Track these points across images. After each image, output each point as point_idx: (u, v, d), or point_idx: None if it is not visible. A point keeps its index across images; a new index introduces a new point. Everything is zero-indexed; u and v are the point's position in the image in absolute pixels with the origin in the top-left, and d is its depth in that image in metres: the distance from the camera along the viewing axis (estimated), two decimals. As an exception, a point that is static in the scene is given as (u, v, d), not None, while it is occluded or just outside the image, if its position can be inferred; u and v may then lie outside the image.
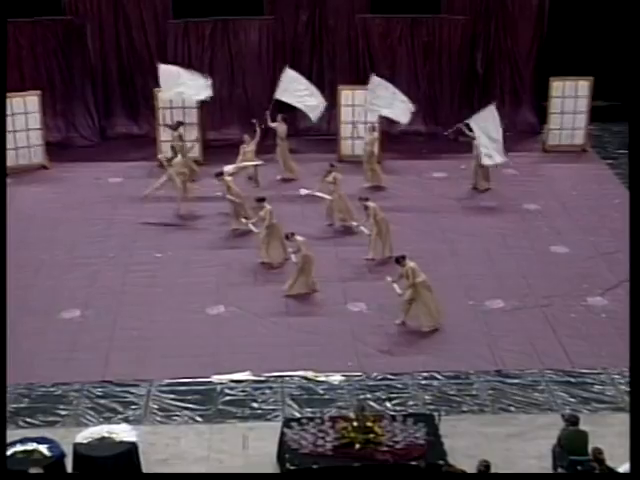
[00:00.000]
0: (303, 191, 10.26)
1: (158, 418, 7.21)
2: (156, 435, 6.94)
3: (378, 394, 7.45)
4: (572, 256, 9.65)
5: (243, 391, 7.52)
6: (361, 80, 12.18)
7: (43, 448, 6.30)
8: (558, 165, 11.90)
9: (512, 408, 7.33)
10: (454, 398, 7.42)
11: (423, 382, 7.62)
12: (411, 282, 8.15)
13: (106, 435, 6.48)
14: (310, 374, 7.70)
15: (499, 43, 12.60)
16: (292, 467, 6.25)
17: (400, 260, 8.29)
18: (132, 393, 7.48)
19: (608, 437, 6.58)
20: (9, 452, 6.20)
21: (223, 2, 12.22)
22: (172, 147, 10.89)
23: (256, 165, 10.86)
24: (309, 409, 7.26)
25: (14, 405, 7.21)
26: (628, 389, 6.95)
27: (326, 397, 7.44)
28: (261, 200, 9.54)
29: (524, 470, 6.52)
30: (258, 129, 10.93)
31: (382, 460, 6.28)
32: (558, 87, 12.01)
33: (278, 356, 7.92)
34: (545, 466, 6.53)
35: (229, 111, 12.49)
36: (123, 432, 6.54)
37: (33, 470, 5.99)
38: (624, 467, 5.92)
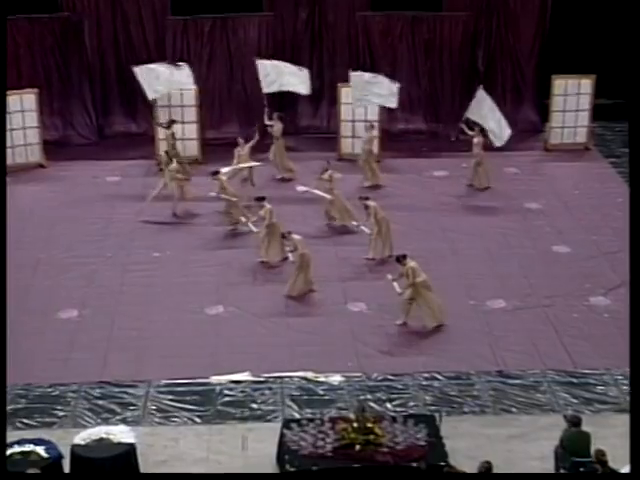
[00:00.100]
0: (301, 188, 10.19)
1: (156, 419, 7.19)
2: (154, 436, 6.91)
3: (378, 395, 7.43)
4: (574, 256, 9.62)
5: (242, 392, 7.49)
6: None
7: (40, 449, 6.27)
8: (560, 164, 11.87)
9: (514, 409, 7.31)
10: (455, 399, 7.40)
11: (424, 383, 7.59)
12: (411, 282, 8.12)
13: (104, 436, 6.45)
14: (310, 375, 7.67)
15: (500, 40, 12.55)
16: (292, 468, 6.23)
17: (401, 259, 8.26)
18: (130, 394, 7.45)
19: (611, 438, 6.55)
20: (6, 453, 6.14)
21: (222, -1, 12.23)
22: (166, 152, 10.78)
23: (252, 166, 10.74)
24: (309, 410, 7.23)
25: (11, 406, 7.17)
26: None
27: (326, 398, 7.41)
28: (261, 199, 9.49)
29: (526, 472, 6.48)
30: (256, 133, 10.82)
31: (382, 461, 6.25)
32: (560, 85, 11.95)
33: (278, 356, 7.89)
34: (547, 467, 6.49)
35: (228, 109, 12.42)
36: (121, 433, 6.51)
37: (30, 472, 5.93)
38: (627, 469, 5.86)
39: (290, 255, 8.86)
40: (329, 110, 12.47)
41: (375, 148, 11.32)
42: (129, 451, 6.36)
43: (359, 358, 7.87)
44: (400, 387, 7.52)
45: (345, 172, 11.37)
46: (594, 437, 6.32)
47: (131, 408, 7.28)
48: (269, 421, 7.10)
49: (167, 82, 10.99)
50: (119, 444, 6.37)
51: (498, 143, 10.87)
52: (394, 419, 6.61)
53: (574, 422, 6.41)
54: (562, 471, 6.33)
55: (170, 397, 7.41)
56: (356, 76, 11.04)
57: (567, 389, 7.51)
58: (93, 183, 11.27)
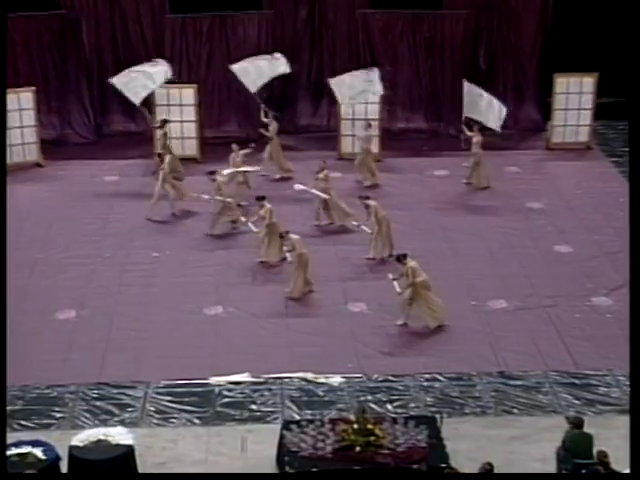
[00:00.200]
0: (298, 187, 10.12)
1: (155, 420, 7.15)
2: (153, 438, 6.87)
3: (379, 396, 7.39)
4: (576, 255, 9.58)
5: (242, 393, 7.45)
6: (361, 76, 12.04)
7: (38, 451, 6.23)
8: (562, 163, 11.82)
9: (515, 410, 7.27)
10: (456, 400, 7.36)
11: (425, 384, 7.55)
12: (410, 281, 8.08)
13: (102, 438, 6.41)
14: (310, 376, 7.63)
15: (502, 38, 12.49)
16: (291, 470, 6.20)
17: (401, 258, 8.22)
18: (129, 395, 7.42)
19: (613, 440, 6.50)
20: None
21: (221, -3, 12.16)
22: (159, 154, 10.68)
23: (251, 171, 10.62)
24: (309, 411, 7.19)
25: (8, 407, 7.07)
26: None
27: (326, 399, 7.38)
28: (261, 199, 9.44)
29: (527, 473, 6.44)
30: (253, 146, 10.69)
31: (383, 463, 6.21)
32: (562, 83, 11.91)
33: (277, 357, 7.85)
34: (549, 469, 6.45)
35: (227, 108, 12.36)
36: (119, 435, 6.46)
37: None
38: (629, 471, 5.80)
39: (288, 255, 8.80)
40: (329, 109, 12.41)
41: (373, 147, 11.25)
42: (127, 453, 6.32)
43: (359, 359, 7.83)
44: (401, 388, 7.48)
45: (345, 171, 11.36)
46: (596, 439, 6.28)
47: (129, 409, 7.24)
48: (269, 422, 7.06)
49: (148, 83, 10.93)
50: (117, 446, 6.33)
51: (499, 128, 10.85)
52: (395, 420, 6.58)
53: (576, 424, 6.37)
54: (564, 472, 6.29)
55: (169, 398, 7.38)
56: (340, 80, 11.02)
57: (569, 390, 7.48)
58: (91, 183, 11.22)
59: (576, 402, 7.33)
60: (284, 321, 8.40)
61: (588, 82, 11.88)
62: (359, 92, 10.92)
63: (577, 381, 7.57)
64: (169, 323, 8.35)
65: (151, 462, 6.58)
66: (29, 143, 11.51)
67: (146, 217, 10.17)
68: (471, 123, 11.01)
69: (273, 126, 11.14)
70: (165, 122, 11.17)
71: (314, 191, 9.94)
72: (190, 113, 11.71)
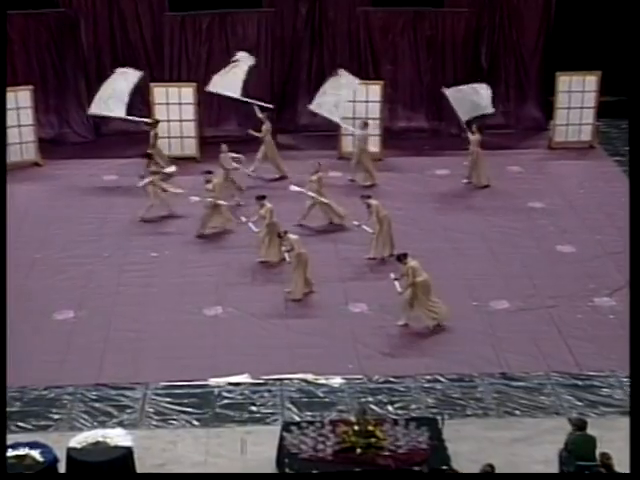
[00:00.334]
0: (293, 188, 10.06)
1: (154, 422, 7.11)
2: (152, 439, 6.83)
3: (380, 397, 7.34)
4: (579, 255, 9.53)
5: (241, 394, 7.41)
6: (362, 75, 11.99)
7: (35, 453, 6.19)
8: (564, 162, 11.77)
9: (517, 412, 7.22)
10: (458, 401, 7.31)
11: (426, 385, 7.51)
12: (411, 281, 8.02)
13: (100, 439, 6.37)
14: (310, 377, 7.59)
15: (504, 36, 12.43)
16: (292, 472, 6.15)
17: (402, 258, 8.17)
18: (127, 396, 7.37)
19: (616, 442, 6.46)
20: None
21: (220, -5, 12.09)
22: (149, 155, 10.55)
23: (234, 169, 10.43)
24: (309, 413, 7.15)
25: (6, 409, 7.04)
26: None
27: (326, 400, 7.33)
28: (261, 198, 9.38)
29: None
30: (241, 157, 10.59)
31: (384, 465, 6.17)
32: (565, 82, 11.84)
33: (277, 358, 7.80)
34: (551, 471, 6.40)
35: (226, 107, 12.27)
36: (118, 436, 6.42)
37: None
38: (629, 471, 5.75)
39: (287, 255, 8.75)
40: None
41: (373, 146, 11.18)
42: (126, 455, 6.28)
43: (360, 360, 7.78)
44: (402, 389, 7.44)
45: (345, 171, 11.29)
46: (599, 441, 6.23)
47: (128, 411, 7.20)
48: (268, 424, 7.02)
49: (118, 98, 10.91)
50: (116, 447, 6.29)
51: (491, 111, 10.94)
52: (396, 422, 6.53)
53: (579, 425, 6.32)
54: (566, 475, 6.25)
55: (168, 399, 7.34)
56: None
57: (571, 391, 7.43)
58: (89, 182, 11.18)
59: (578, 403, 7.29)
60: (284, 322, 8.35)
61: (591, 80, 11.81)
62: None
63: (579, 382, 7.53)
64: (168, 324, 8.31)
65: (150, 464, 6.54)
66: (27, 142, 11.46)
67: (140, 218, 10.10)
68: (471, 122, 10.98)
69: (266, 126, 11.08)
70: (157, 122, 11.11)
71: (310, 193, 9.88)
72: (189, 112, 11.66)
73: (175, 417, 7.13)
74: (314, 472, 6.08)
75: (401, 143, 12.06)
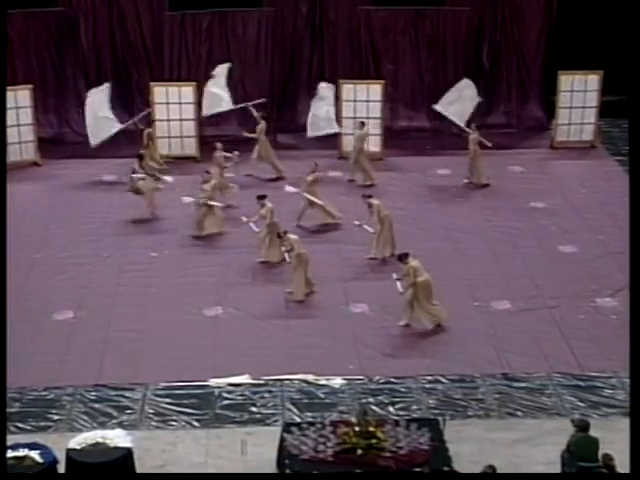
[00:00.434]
0: (288, 188, 10.00)
1: (154, 423, 7.08)
2: (152, 440, 6.80)
3: (381, 398, 7.31)
4: (581, 256, 9.49)
5: (241, 395, 7.38)
6: (363, 74, 11.98)
7: (35, 454, 6.15)
8: (566, 162, 11.73)
9: (519, 413, 7.19)
10: (459, 402, 7.28)
11: (427, 386, 7.47)
12: (412, 281, 7.99)
13: (100, 440, 6.34)
14: (310, 377, 7.55)
15: (506, 35, 12.38)
16: (292, 473, 6.09)
17: (403, 258, 8.14)
18: (127, 397, 7.35)
19: (619, 443, 6.41)
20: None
21: (221, -6, 12.05)
22: (140, 156, 10.51)
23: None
24: (309, 413, 7.11)
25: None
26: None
27: (327, 401, 7.30)
28: (262, 198, 9.34)
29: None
30: (237, 154, 10.54)
31: (385, 466, 6.14)
32: (567, 81, 11.80)
33: (277, 359, 7.77)
34: (553, 473, 6.34)
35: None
36: (118, 437, 6.39)
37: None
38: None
39: (286, 255, 8.71)
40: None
41: (367, 146, 11.10)
42: (126, 456, 6.25)
43: (361, 360, 7.75)
44: (403, 390, 7.40)
45: (346, 170, 11.24)
46: (601, 442, 6.20)
47: (128, 412, 7.17)
48: (269, 425, 6.99)
49: (104, 117, 10.97)
50: (115, 448, 6.26)
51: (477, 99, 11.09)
52: (397, 423, 6.50)
53: (582, 427, 6.28)
54: (568, 476, 6.21)
55: (168, 400, 7.30)
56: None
57: (573, 392, 7.40)
58: (89, 181, 11.15)
59: (581, 404, 7.25)
60: (284, 322, 8.32)
61: (593, 80, 11.77)
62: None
63: (581, 383, 7.50)
64: (168, 324, 8.28)
65: (150, 465, 6.51)
66: (26, 142, 11.43)
67: (133, 219, 10.08)
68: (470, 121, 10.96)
69: (261, 125, 11.03)
70: (151, 122, 11.11)
71: (306, 194, 9.84)
72: (189, 111, 11.62)
73: (175, 418, 7.10)
74: (314, 473, 6.04)
75: (402, 143, 12.02)
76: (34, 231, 9.97)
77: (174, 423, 7.05)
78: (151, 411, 7.17)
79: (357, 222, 9.54)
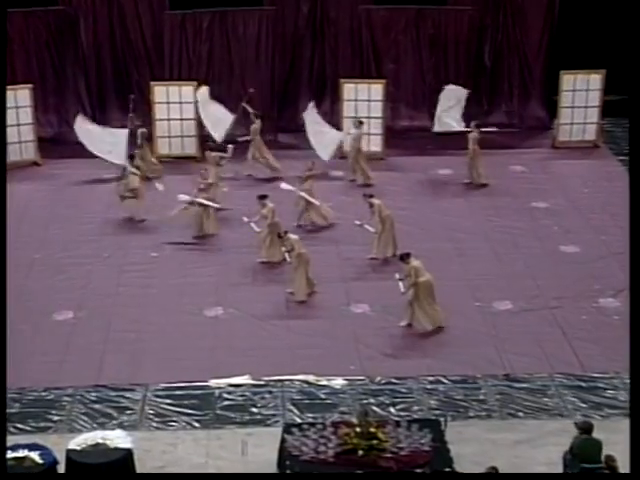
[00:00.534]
0: (284, 186, 9.96)
1: (154, 424, 7.05)
2: (152, 441, 6.78)
3: (382, 399, 7.29)
4: (583, 256, 9.45)
5: (242, 395, 7.35)
6: (364, 73, 11.96)
7: (35, 455, 6.13)
8: (568, 162, 11.69)
9: (521, 413, 7.16)
10: (461, 403, 7.25)
11: (428, 386, 7.45)
12: (413, 281, 7.96)
13: (100, 441, 6.32)
14: (311, 378, 7.53)
15: (507, 35, 12.34)
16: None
17: (404, 257, 8.11)
18: (127, 398, 7.32)
19: (621, 444, 6.34)
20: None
21: (221, -8, 12.02)
22: (131, 156, 10.46)
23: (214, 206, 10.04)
24: (310, 414, 7.09)
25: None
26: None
27: (328, 402, 7.28)
28: (263, 197, 9.30)
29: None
30: (230, 150, 10.50)
31: (386, 467, 6.11)
32: (569, 80, 11.75)
33: (278, 359, 7.74)
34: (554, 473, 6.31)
35: (227, 106, 12.18)
36: (118, 438, 6.37)
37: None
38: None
39: (287, 255, 8.68)
40: (331, 107, 12.27)
41: (365, 146, 11.05)
42: (126, 456, 6.23)
43: (362, 361, 7.72)
44: (404, 391, 7.37)
45: (347, 170, 11.20)
46: (604, 443, 6.15)
47: (128, 412, 7.15)
48: (269, 426, 6.96)
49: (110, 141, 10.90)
50: (116, 449, 6.24)
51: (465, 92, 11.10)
52: (398, 424, 6.47)
53: (585, 429, 6.24)
54: (570, 477, 6.18)
55: (168, 401, 7.28)
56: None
57: (576, 393, 7.37)
58: (89, 181, 11.11)
59: (583, 405, 7.23)
60: (285, 322, 8.29)
61: (595, 79, 11.73)
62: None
63: (584, 384, 7.47)
64: (168, 324, 8.25)
65: (150, 466, 6.49)
66: (26, 141, 11.40)
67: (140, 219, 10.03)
68: (470, 121, 10.93)
69: (255, 125, 11.00)
70: (145, 123, 11.07)
71: (302, 193, 9.79)
72: (189, 111, 11.59)
73: (175, 419, 7.08)
74: (315, 474, 6.02)
75: (403, 142, 11.97)
76: (34, 231, 9.95)
77: (174, 424, 7.03)
78: (151, 412, 7.15)
79: (358, 222, 9.50)
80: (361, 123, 10.99)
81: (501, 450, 6.66)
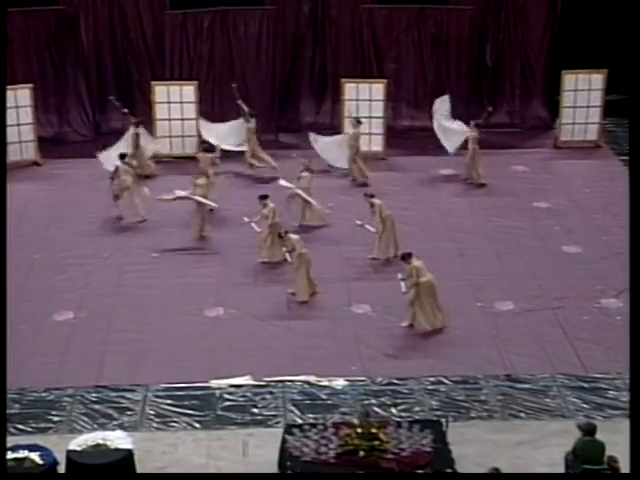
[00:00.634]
0: (282, 182, 9.92)
1: (155, 424, 7.04)
2: (153, 442, 6.77)
3: (383, 399, 7.27)
4: (585, 256, 9.43)
5: (243, 396, 7.34)
6: (366, 73, 11.91)
7: (35, 456, 6.13)
8: (570, 161, 11.66)
9: (522, 414, 7.15)
10: (462, 404, 7.24)
11: (430, 387, 7.43)
12: (414, 281, 7.94)
13: (100, 442, 6.31)
14: (312, 379, 7.52)
15: (509, 34, 12.30)
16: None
17: (406, 257, 8.09)
18: (128, 398, 7.31)
19: (623, 445, 6.29)
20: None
21: (222, -8, 11.99)
22: (122, 155, 10.35)
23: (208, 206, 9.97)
24: (311, 415, 7.08)
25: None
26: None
27: (329, 402, 7.26)
28: (264, 198, 9.28)
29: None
30: (219, 152, 10.48)
31: (387, 468, 6.10)
32: (571, 80, 11.72)
33: (279, 360, 7.73)
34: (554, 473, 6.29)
35: (228, 106, 12.17)
36: (118, 439, 6.36)
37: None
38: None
39: (288, 255, 8.65)
40: (332, 106, 12.25)
41: (361, 144, 11.00)
42: (126, 457, 6.22)
43: (363, 361, 7.71)
44: (405, 391, 7.36)
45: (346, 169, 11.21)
46: (606, 444, 6.13)
47: (128, 413, 7.14)
48: (270, 426, 6.95)
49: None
50: (116, 450, 6.23)
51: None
52: (399, 424, 6.46)
53: (588, 431, 6.21)
54: (571, 478, 6.16)
55: (169, 402, 7.27)
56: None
57: (577, 394, 7.36)
58: (89, 181, 11.06)
59: (585, 406, 7.21)
60: (286, 323, 8.27)
61: (597, 79, 11.70)
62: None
63: (586, 385, 7.45)
64: (169, 325, 8.24)
65: (151, 467, 6.48)
66: (26, 141, 11.37)
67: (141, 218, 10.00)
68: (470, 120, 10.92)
69: (248, 125, 10.96)
70: (139, 123, 10.99)
71: (298, 191, 9.76)
72: (190, 110, 11.57)
73: (176, 419, 7.06)
74: (316, 474, 6.02)
75: (405, 142, 11.94)
76: (34, 231, 9.93)
77: (175, 424, 7.02)
78: (152, 412, 7.14)
79: (359, 222, 9.48)
80: (359, 122, 10.96)
81: (503, 451, 6.64)
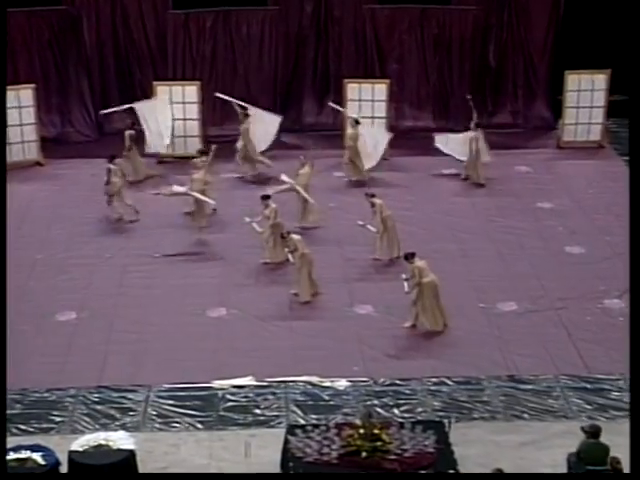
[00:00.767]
0: (284, 177, 9.90)
1: (157, 425, 7.04)
2: (155, 442, 6.77)
3: (385, 400, 7.26)
4: (588, 257, 9.41)
5: (245, 397, 7.34)
6: (368, 73, 11.89)
7: (37, 456, 6.14)
8: (573, 162, 11.64)
9: (525, 415, 7.14)
10: (465, 404, 7.23)
11: (432, 388, 7.42)
12: (417, 281, 7.94)
13: (102, 442, 6.32)
14: (315, 379, 7.51)
15: (512, 34, 12.28)
16: (295, 476, 6.06)
17: (409, 257, 8.08)
18: (130, 399, 7.31)
19: (625, 446, 6.27)
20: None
21: (225, -8, 11.99)
22: (112, 157, 10.32)
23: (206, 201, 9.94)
24: (314, 416, 7.08)
25: (7, 411, 6.94)
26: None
27: (331, 403, 7.26)
28: (266, 198, 9.27)
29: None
30: (212, 152, 10.44)
31: (390, 469, 6.10)
32: (574, 80, 11.70)
33: (281, 360, 7.72)
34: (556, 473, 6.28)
35: (230, 106, 12.15)
36: (120, 439, 6.37)
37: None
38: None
39: (290, 256, 8.64)
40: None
41: (359, 144, 10.95)
42: (128, 458, 6.22)
43: (365, 362, 7.70)
44: (408, 392, 7.35)
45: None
46: (609, 445, 6.11)
47: (130, 413, 7.14)
48: (273, 427, 6.95)
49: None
50: (118, 450, 6.24)
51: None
52: (402, 425, 6.45)
53: (592, 432, 6.19)
54: (574, 479, 6.14)
55: (171, 402, 7.27)
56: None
57: (580, 395, 7.34)
58: (92, 181, 11.04)
59: (587, 407, 7.20)
60: (288, 323, 8.26)
61: (600, 79, 11.67)
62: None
63: (589, 385, 7.43)
64: (171, 325, 8.23)
65: (152, 467, 6.48)
66: (29, 141, 11.37)
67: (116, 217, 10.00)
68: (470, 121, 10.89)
69: (244, 126, 10.94)
70: (133, 124, 11.00)
71: (298, 187, 9.71)
72: (193, 111, 11.56)
73: (178, 420, 7.06)
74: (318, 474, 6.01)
75: (407, 142, 11.90)
76: (36, 231, 9.92)
77: (177, 425, 7.01)
78: (154, 413, 7.13)
79: (361, 222, 9.44)
80: (358, 123, 10.94)
81: (506, 452, 6.63)
